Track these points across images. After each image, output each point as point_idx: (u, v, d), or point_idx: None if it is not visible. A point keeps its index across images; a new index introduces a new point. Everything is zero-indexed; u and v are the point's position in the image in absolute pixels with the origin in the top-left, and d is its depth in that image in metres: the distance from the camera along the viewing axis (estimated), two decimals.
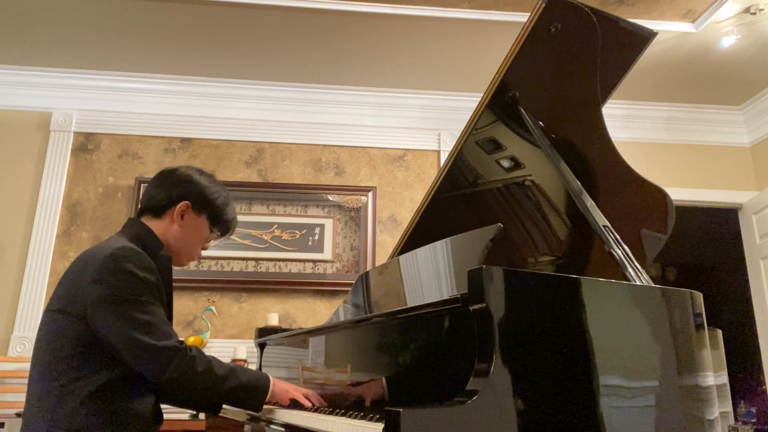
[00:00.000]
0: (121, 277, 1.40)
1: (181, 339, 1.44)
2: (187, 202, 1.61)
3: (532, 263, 2.08)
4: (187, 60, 3.64)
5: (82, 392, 1.36)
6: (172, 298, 1.61)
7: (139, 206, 1.66)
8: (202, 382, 1.42)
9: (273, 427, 1.51)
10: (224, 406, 1.53)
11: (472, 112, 1.84)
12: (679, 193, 3.85)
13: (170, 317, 1.58)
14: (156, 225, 1.60)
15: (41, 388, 1.40)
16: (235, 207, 1.74)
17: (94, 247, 1.52)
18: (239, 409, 1.62)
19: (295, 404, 1.56)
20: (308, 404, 1.56)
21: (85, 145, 3.75)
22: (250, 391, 1.49)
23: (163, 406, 1.53)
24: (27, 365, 3.20)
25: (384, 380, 1.36)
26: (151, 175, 3.67)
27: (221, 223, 1.69)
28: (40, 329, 1.47)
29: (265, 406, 1.53)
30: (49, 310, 1.46)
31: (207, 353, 1.50)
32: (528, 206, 2.01)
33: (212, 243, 1.74)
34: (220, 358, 1.52)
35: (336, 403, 1.52)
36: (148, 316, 1.40)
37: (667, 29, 3.28)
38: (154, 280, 1.45)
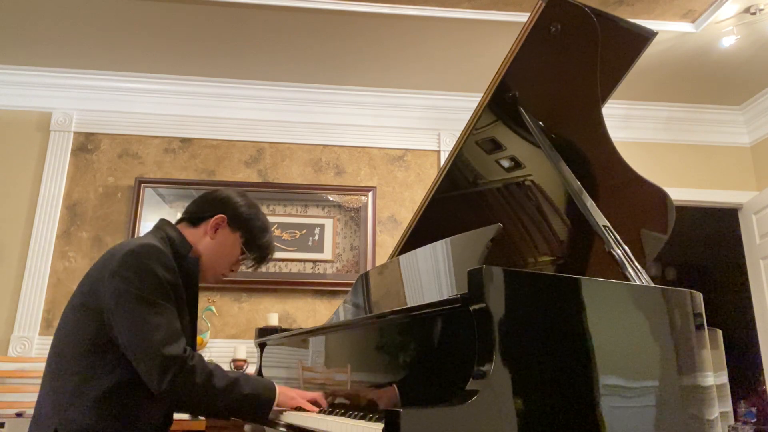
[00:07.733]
0: (140, 273, 1.39)
1: (187, 347, 1.40)
2: (223, 216, 1.63)
3: (532, 263, 2.08)
4: (187, 60, 3.63)
5: (95, 392, 1.35)
6: (198, 299, 1.61)
7: (179, 216, 1.69)
8: (200, 395, 1.37)
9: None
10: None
11: (472, 112, 1.84)
12: (679, 193, 3.85)
13: (194, 318, 1.59)
14: (189, 232, 1.63)
15: (56, 385, 1.39)
16: (273, 237, 1.73)
17: (121, 243, 1.51)
18: None
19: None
20: (315, 410, 1.50)
21: (85, 145, 3.75)
22: (252, 402, 1.43)
23: None
24: (27, 365, 3.21)
25: (384, 380, 1.36)
26: (151, 175, 3.72)
27: (256, 248, 1.68)
28: (60, 324, 1.47)
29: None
30: (71, 305, 1.46)
31: (207, 355, 1.48)
32: (528, 206, 2.00)
33: (244, 267, 1.73)
34: (220, 359, 1.51)
35: (336, 403, 1.52)
36: (159, 318, 1.37)
37: (667, 29, 3.28)
38: (173, 280, 1.45)
